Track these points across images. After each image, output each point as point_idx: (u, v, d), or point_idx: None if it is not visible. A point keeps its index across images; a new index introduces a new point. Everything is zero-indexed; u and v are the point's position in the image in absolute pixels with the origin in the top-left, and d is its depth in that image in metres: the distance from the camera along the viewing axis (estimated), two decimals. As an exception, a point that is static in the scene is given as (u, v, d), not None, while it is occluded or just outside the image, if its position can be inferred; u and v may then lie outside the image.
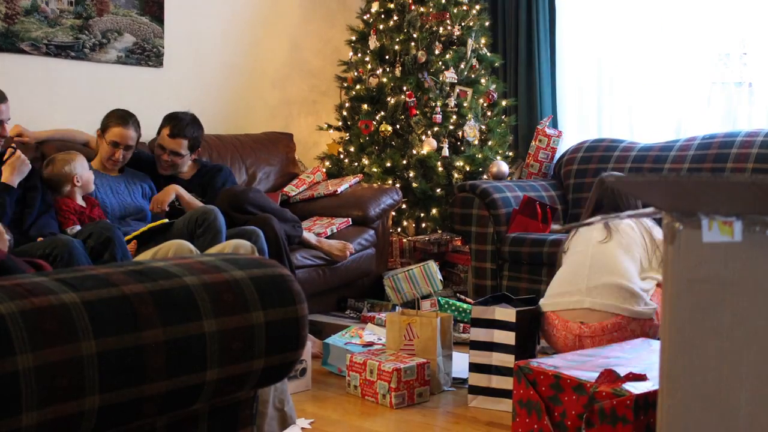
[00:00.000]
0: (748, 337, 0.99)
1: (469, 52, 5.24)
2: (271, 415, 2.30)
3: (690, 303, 1.04)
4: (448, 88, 5.17)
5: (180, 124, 4.10)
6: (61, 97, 4.41)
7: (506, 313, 3.15)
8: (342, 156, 5.41)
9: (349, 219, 4.59)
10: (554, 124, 5.37)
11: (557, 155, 5.20)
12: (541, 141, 5.24)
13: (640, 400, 2.24)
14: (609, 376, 2.35)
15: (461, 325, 4.15)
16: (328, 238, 4.37)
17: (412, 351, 3.34)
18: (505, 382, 3.12)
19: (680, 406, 1.04)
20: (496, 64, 5.44)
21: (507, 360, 3.12)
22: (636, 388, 2.28)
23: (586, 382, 2.36)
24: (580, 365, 2.52)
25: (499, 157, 5.16)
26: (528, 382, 2.52)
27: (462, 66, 5.23)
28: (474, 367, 3.15)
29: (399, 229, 5.32)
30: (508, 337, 3.13)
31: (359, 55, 5.43)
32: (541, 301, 3.30)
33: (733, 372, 1.00)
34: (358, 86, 5.38)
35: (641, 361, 2.55)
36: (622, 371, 2.39)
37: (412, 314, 3.42)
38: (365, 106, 5.29)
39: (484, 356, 3.14)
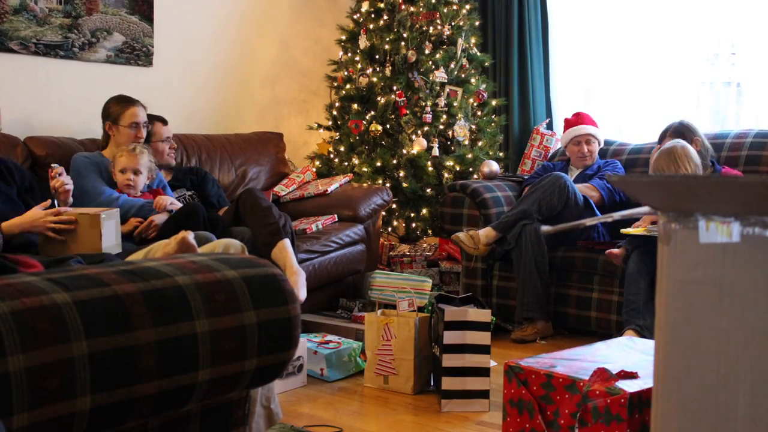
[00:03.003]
0: (747, 339, 0.98)
1: (459, 52, 5.24)
2: (258, 413, 2.29)
3: (686, 304, 1.03)
4: (438, 88, 5.17)
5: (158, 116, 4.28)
6: (50, 96, 4.39)
7: (480, 314, 3.15)
8: (332, 156, 5.40)
9: (335, 215, 4.59)
10: (550, 127, 5.39)
11: (549, 154, 5.22)
12: (534, 139, 5.26)
13: (634, 399, 2.24)
14: (602, 374, 2.36)
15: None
16: (312, 234, 4.37)
17: (390, 352, 3.33)
18: (481, 383, 3.12)
19: (676, 409, 1.04)
20: (486, 64, 5.45)
21: (481, 360, 3.12)
22: (630, 386, 2.29)
23: (579, 380, 2.36)
24: (570, 364, 2.53)
25: (489, 158, 5.17)
26: (519, 381, 2.52)
27: (452, 66, 5.23)
28: (446, 371, 3.13)
29: (389, 229, 5.32)
30: (482, 338, 3.13)
31: (349, 54, 5.42)
32: None
33: (731, 375, 0.99)
34: (348, 86, 5.38)
35: (629, 359, 2.55)
36: (613, 369, 2.39)
37: (392, 314, 3.40)
38: (355, 106, 5.29)
39: (457, 359, 3.12)
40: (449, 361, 3.11)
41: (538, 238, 4.17)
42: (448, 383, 3.11)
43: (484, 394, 3.12)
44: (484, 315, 3.15)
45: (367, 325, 3.41)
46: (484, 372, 3.13)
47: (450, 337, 3.10)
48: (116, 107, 3.92)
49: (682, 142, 3.90)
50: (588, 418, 2.31)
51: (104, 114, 3.94)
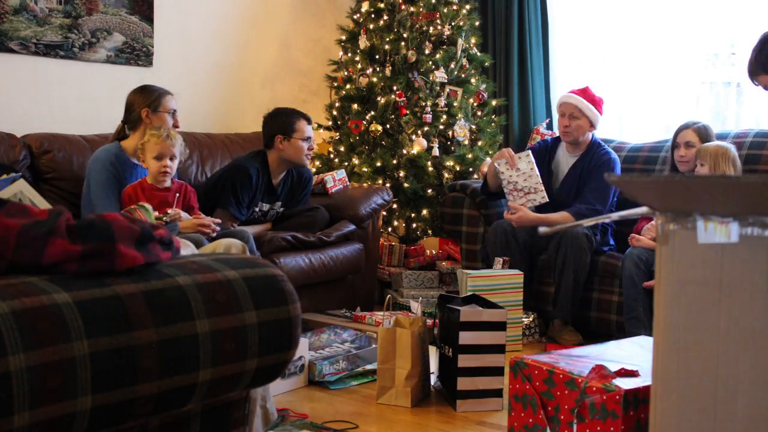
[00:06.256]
0: (745, 339, 0.98)
1: (459, 52, 5.24)
2: (256, 413, 2.30)
3: (684, 304, 1.03)
4: (438, 88, 5.17)
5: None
6: (50, 96, 4.39)
7: (496, 314, 3.15)
8: (332, 156, 5.40)
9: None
10: (549, 127, 5.39)
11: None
12: (534, 139, 5.26)
13: (629, 396, 2.26)
14: (599, 371, 2.38)
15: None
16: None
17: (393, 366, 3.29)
18: (495, 382, 3.13)
19: (674, 408, 1.04)
20: (486, 64, 5.45)
21: (496, 360, 3.13)
22: (626, 383, 2.30)
23: (578, 377, 2.38)
24: (575, 361, 2.54)
25: (489, 157, 5.17)
26: (524, 377, 2.54)
27: (452, 66, 5.23)
28: (462, 372, 3.13)
29: (390, 229, 5.32)
30: (497, 338, 3.13)
31: (349, 54, 5.42)
32: None
33: (729, 374, 0.99)
34: (348, 86, 5.38)
35: (637, 359, 2.56)
36: (616, 367, 2.41)
37: (404, 323, 3.33)
38: (355, 106, 5.29)
39: (472, 359, 3.12)
40: (465, 361, 3.11)
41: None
42: (464, 383, 3.11)
43: (498, 393, 3.13)
44: (499, 315, 3.15)
45: (380, 340, 3.29)
46: (498, 371, 3.14)
47: (466, 337, 3.10)
48: (154, 94, 3.87)
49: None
50: (585, 414, 2.33)
51: (138, 102, 3.85)
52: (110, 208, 3.61)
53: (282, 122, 4.28)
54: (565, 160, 4.51)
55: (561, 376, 2.43)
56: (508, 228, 4.31)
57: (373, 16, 5.35)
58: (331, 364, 3.46)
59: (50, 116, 4.33)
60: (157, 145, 3.68)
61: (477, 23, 5.42)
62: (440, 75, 5.15)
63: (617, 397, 2.26)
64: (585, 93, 4.46)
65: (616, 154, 4.74)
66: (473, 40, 5.35)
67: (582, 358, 2.58)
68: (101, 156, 3.74)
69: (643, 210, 1.12)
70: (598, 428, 2.30)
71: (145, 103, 3.83)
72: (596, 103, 4.46)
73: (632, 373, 2.38)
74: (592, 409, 2.31)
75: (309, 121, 4.35)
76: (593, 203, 4.29)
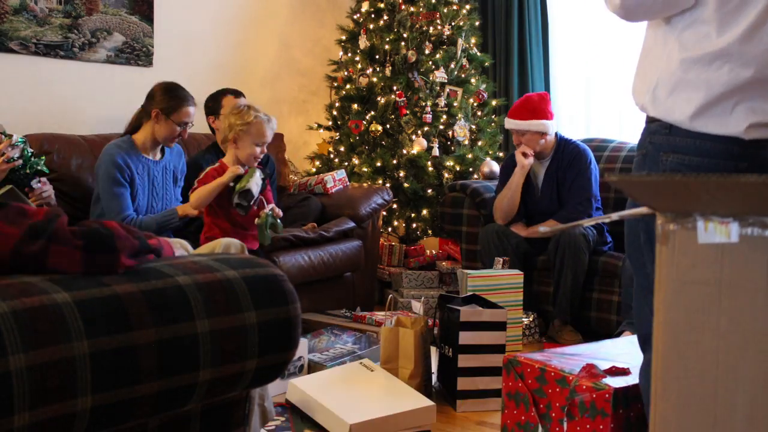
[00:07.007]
0: (745, 340, 0.98)
1: (459, 52, 5.24)
2: (254, 411, 2.30)
3: (684, 305, 1.03)
4: (438, 88, 5.18)
5: None
6: (50, 96, 4.39)
7: (496, 314, 3.15)
8: (332, 156, 5.40)
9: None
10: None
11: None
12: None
13: (619, 394, 2.27)
14: (590, 370, 2.39)
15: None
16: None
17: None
18: (497, 382, 3.13)
19: (674, 409, 1.04)
20: (486, 64, 5.45)
21: (496, 360, 3.13)
22: (616, 382, 2.31)
23: (569, 375, 2.39)
24: (568, 360, 2.55)
25: (489, 157, 5.17)
26: (516, 374, 2.55)
27: (452, 66, 5.23)
28: (462, 372, 3.13)
29: (390, 229, 5.32)
30: (497, 338, 3.13)
31: (349, 54, 5.43)
32: None
33: (729, 375, 0.99)
34: (348, 86, 5.38)
35: (629, 356, 2.57)
36: (608, 365, 2.42)
37: (406, 323, 3.33)
38: (355, 106, 5.29)
39: (472, 359, 3.13)
40: (465, 361, 3.11)
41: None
42: (464, 383, 3.12)
43: (497, 393, 3.13)
44: (499, 315, 3.15)
45: (382, 340, 3.31)
46: (498, 371, 3.14)
47: (466, 337, 3.10)
48: (174, 101, 3.77)
49: None
50: (575, 412, 2.35)
51: (157, 100, 3.76)
52: (117, 206, 3.64)
53: None
54: (538, 168, 4.49)
55: (552, 373, 2.45)
56: (499, 230, 4.32)
57: (373, 16, 5.35)
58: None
59: (50, 116, 4.33)
60: (262, 131, 3.55)
61: (477, 23, 5.42)
62: (440, 75, 5.16)
63: (606, 395, 2.28)
64: (523, 108, 4.41)
65: (616, 153, 4.74)
66: (473, 40, 5.35)
67: (574, 356, 2.59)
68: (106, 155, 3.70)
69: (643, 210, 1.11)
70: (588, 426, 2.31)
71: (161, 105, 3.74)
72: (537, 113, 4.38)
73: (623, 371, 2.40)
74: (581, 407, 2.33)
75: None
76: (576, 204, 4.31)
